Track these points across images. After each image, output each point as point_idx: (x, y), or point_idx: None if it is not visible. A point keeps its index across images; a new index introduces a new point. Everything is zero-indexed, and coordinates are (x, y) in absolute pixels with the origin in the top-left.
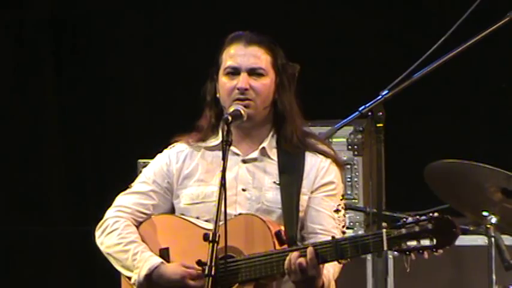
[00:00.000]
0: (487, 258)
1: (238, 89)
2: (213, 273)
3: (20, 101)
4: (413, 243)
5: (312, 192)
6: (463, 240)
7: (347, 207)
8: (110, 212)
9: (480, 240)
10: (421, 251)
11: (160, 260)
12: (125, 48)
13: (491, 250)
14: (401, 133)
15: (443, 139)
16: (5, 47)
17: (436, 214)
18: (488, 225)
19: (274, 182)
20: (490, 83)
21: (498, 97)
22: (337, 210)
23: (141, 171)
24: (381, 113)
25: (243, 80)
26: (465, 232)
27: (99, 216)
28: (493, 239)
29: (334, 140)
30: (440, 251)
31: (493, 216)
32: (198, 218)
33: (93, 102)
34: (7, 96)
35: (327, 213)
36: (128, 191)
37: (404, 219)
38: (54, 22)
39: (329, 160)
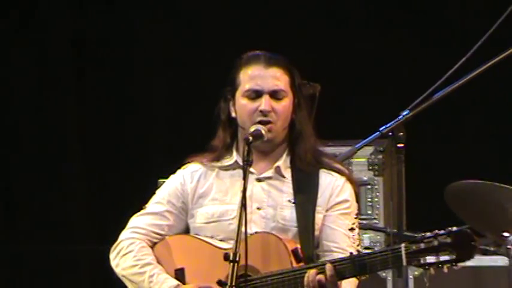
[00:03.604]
0: (507, 279)
1: (261, 111)
2: None
3: (42, 120)
4: (432, 257)
5: (326, 211)
6: (483, 260)
7: (367, 228)
8: (124, 234)
9: (500, 260)
10: (440, 265)
11: (177, 282)
12: (144, 67)
13: None
14: (421, 153)
15: (464, 159)
16: (28, 66)
17: (454, 228)
18: (509, 246)
19: (289, 201)
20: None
21: None
22: (351, 229)
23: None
24: (401, 133)
25: (265, 103)
26: (485, 253)
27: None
28: None
29: (354, 160)
30: (460, 264)
31: None
32: (212, 237)
33: (114, 122)
34: (29, 115)
35: (342, 232)
36: (142, 212)
37: (423, 234)
38: (76, 41)
39: (344, 178)
